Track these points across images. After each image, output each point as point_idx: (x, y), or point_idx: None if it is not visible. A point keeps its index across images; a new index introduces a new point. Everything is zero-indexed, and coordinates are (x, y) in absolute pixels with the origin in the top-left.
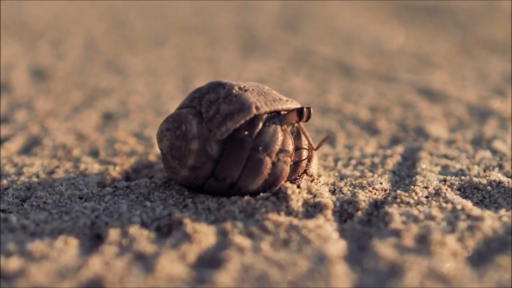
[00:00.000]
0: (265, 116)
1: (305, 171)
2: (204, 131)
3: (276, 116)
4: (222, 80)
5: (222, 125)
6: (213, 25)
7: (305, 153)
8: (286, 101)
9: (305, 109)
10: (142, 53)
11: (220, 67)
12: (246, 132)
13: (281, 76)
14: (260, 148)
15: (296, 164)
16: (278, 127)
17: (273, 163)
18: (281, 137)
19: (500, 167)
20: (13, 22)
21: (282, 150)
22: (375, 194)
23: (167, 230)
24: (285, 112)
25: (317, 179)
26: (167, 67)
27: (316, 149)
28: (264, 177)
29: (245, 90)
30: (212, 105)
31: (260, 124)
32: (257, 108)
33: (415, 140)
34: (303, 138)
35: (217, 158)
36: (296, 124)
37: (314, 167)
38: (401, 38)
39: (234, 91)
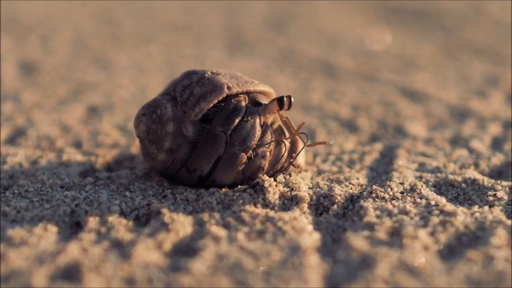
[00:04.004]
0: (243, 105)
1: (291, 163)
2: (179, 113)
3: (256, 108)
4: (195, 69)
5: (195, 106)
6: (201, 25)
7: (288, 145)
8: (258, 83)
9: (285, 98)
10: (130, 50)
11: (206, 64)
12: (221, 129)
13: (265, 74)
14: (236, 143)
15: (278, 157)
16: (257, 121)
17: (250, 158)
18: (259, 132)
19: (476, 165)
20: (4, 18)
21: (261, 145)
22: (351, 188)
23: (145, 220)
24: (265, 103)
25: (305, 170)
26: (154, 64)
27: (310, 145)
28: (238, 171)
29: (217, 74)
30: (186, 89)
31: (237, 120)
32: (229, 88)
33: (394, 138)
34: (286, 130)
35: (192, 140)
36: (281, 116)
37: (301, 158)
38: (387, 39)
39: (206, 75)
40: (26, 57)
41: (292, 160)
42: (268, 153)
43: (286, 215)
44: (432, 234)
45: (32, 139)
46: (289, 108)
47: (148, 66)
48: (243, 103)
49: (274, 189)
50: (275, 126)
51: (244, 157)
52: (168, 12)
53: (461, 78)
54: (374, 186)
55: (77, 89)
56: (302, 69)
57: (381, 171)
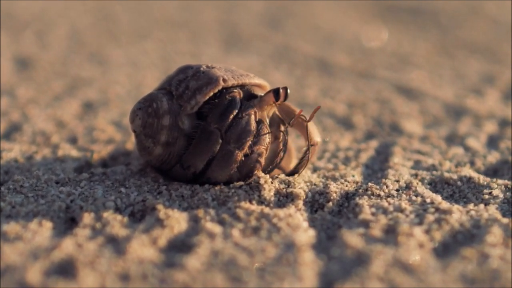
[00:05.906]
0: (238, 100)
1: (309, 147)
2: (175, 106)
3: (251, 103)
4: (190, 63)
5: (191, 99)
6: (198, 22)
7: (286, 138)
8: (254, 76)
9: (281, 90)
10: (126, 46)
11: (202, 60)
12: (215, 126)
13: (261, 70)
14: (231, 140)
15: (275, 151)
16: (252, 117)
17: (246, 155)
18: (255, 128)
19: (472, 163)
20: (0, 13)
21: (257, 142)
22: (346, 186)
23: (140, 216)
24: (261, 95)
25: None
26: (149, 60)
27: (309, 120)
28: (233, 169)
29: (213, 68)
30: (182, 83)
31: (232, 116)
32: (224, 80)
33: (389, 135)
34: (281, 126)
35: (189, 133)
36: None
37: (315, 134)
38: (383, 37)
39: (201, 69)
40: (22, 52)
41: (306, 149)
42: (264, 150)
43: (281, 212)
44: (427, 231)
45: (27, 134)
46: (285, 99)
47: (144, 62)
48: (238, 98)
49: (269, 185)
50: (273, 115)
51: (239, 154)
52: (165, 9)
53: (457, 76)
54: (370, 184)
55: (73, 85)
56: (298, 66)
57: (377, 169)
